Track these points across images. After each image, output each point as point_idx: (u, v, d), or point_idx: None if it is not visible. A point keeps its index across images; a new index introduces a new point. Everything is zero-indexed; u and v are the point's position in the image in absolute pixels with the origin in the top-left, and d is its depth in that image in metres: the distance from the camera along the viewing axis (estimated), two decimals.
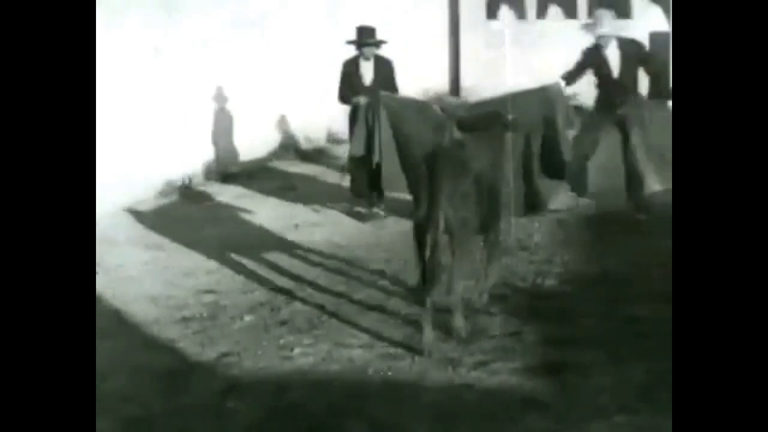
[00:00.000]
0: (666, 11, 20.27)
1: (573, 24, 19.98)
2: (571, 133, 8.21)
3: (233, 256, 8.36)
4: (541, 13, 20.78)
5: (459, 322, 6.40)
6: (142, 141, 10.40)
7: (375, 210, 9.69)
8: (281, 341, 6.46)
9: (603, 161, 9.16)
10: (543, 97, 7.98)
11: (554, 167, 7.74)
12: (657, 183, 9.01)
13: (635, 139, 9.14)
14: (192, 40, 11.39)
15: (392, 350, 6.22)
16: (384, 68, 9.79)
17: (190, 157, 11.33)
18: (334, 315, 6.94)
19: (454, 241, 6.42)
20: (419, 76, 17.07)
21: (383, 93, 8.57)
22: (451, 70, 20.49)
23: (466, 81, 20.33)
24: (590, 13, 20.64)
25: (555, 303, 7.03)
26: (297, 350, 6.29)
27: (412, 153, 6.74)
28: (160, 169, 10.66)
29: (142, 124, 10.42)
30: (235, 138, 12.34)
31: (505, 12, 20.83)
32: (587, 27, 9.51)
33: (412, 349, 6.22)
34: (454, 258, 6.45)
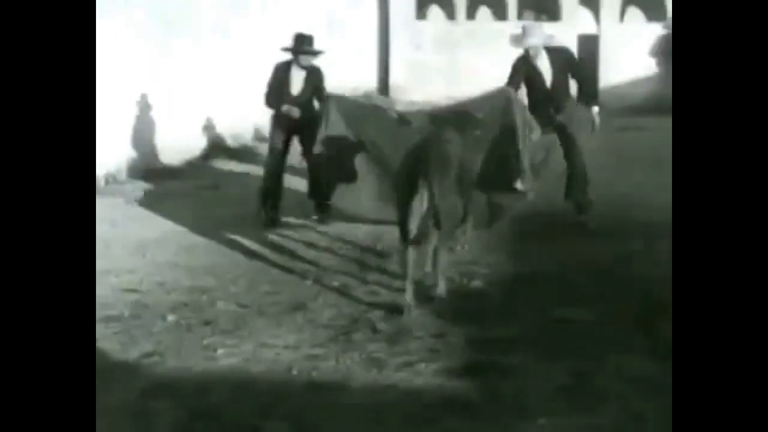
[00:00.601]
0: (595, 14, 20.51)
1: (502, 25, 20.21)
2: (535, 137, 8.39)
3: (156, 254, 8.27)
4: (471, 14, 20.92)
5: (441, 288, 7.22)
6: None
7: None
8: (205, 341, 6.39)
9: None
10: (501, 101, 8.21)
11: (511, 173, 7.99)
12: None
13: (579, 142, 9.25)
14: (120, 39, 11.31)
15: (317, 351, 6.19)
16: (315, 78, 9.69)
17: (113, 155, 11.21)
18: (258, 315, 6.89)
19: (441, 231, 7.04)
20: (348, 75, 17.09)
21: (333, 94, 9.03)
22: (380, 70, 20.54)
23: (394, 80, 20.39)
24: (520, 14, 20.89)
25: (481, 304, 7.06)
26: (221, 350, 6.22)
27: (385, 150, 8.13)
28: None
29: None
30: (165, 136, 12.24)
31: (434, 12, 20.94)
32: (516, 39, 9.43)
33: (394, 309, 6.86)
34: (440, 242, 7.21)
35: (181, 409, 5.38)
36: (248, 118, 13.59)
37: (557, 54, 9.48)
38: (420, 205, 6.82)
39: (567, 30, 20.43)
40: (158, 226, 9.45)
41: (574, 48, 20.18)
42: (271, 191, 9.61)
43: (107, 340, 6.40)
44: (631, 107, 19.17)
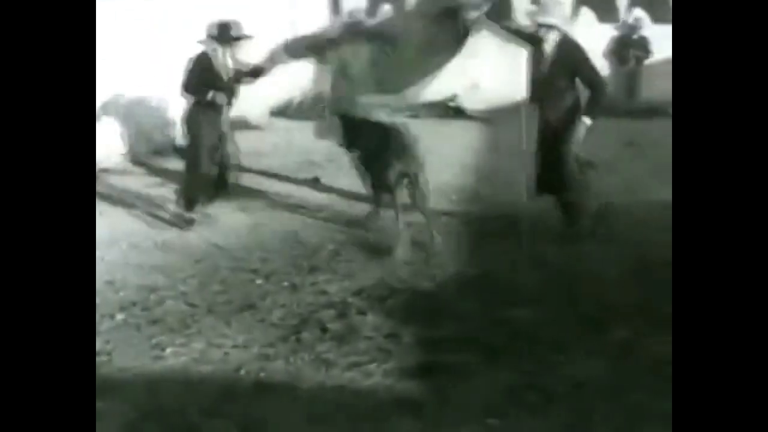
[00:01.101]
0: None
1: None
2: None
3: (105, 252, 8.20)
4: None
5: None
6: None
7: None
8: (153, 340, 6.35)
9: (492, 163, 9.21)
10: None
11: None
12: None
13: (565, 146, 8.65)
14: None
15: (266, 350, 6.17)
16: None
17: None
18: (207, 314, 6.86)
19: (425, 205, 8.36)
20: (297, 75, 17.01)
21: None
22: None
23: None
24: None
25: (431, 304, 7.06)
26: (169, 350, 6.19)
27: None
28: None
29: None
30: (114, 134, 12.15)
31: (386, 11, 20.92)
32: (530, 14, 8.77)
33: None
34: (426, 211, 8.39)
35: (128, 408, 5.35)
36: None
37: (568, 46, 8.58)
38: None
39: None
40: (106, 223, 9.36)
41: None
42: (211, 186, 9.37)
43: None
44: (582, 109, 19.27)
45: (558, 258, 8.14)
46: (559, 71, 8.56)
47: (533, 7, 8.87)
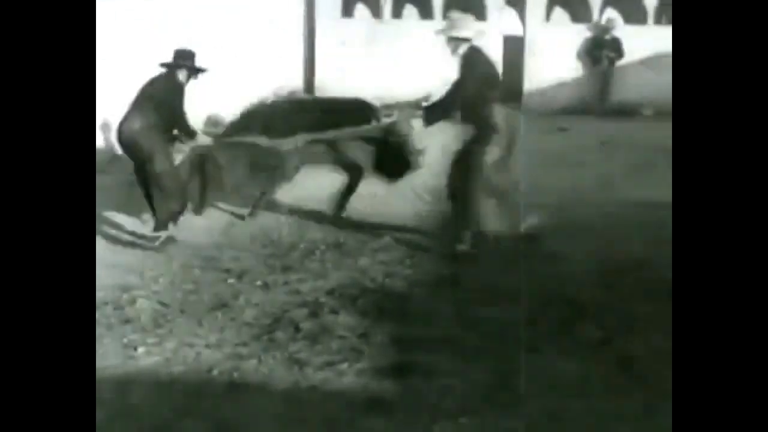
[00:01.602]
0: (520, 15, 20.68)
1: (428, 24, 20.28)
2: None
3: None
4: (397, 12, 20.95)
5: None
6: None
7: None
8: (125, 340, 6.33)
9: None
10: None
11: None
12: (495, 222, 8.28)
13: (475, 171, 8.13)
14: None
15: (239, 350, 6.16)
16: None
17: None
18: (180, 314, 6.84)
19: None
20: (273, 74, 17.00)
21: None
22: (306, 69, 20.47)
23: (320, 79, 20.35)
24: (445, 13, 20.94)
25: (404, 304, 7.07)
26: (141, 349, 6.17)
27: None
28: None
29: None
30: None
31: (360, 10, 20.93)
32: (441, 31, 8.32)
33: None
34: None
35: (99, 408, 5.31)
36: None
37: (478, 59, 8.26)
38: None
39: (492, 31, 20.57)
40: None
41: (498, 48, 20.48)
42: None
43: None
44: (555, 109, 19.37)
45: (529, 256, 8.15)
46: (465, 86, 8.16)
47: (444, 23, 8.50)
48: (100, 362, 5.96)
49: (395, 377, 5.76)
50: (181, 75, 8.70)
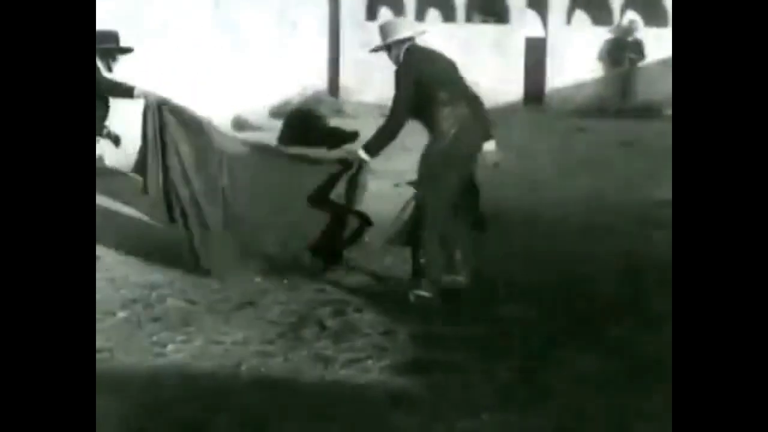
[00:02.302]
0: (542, 17, 20.72)
1: (451, 27, 20.36)
2: None
3: (103, 251, 8.25)
4: (420, 15, 21.03)
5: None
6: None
7: None
8: (154, 337, 6.43)
9: None
10: None
11: None
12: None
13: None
14: None
15: (266, 347, 6.26)
16: None
17: None
18: (207, 312, 6.95)
19: None
20: (298, 75, 17.10)
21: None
22: (331, 70, 20.57)
23: (344, 80, 20.44)
24: (468, 16, 21.06)
25: (427, 302, 7.13)
26: (170, 346, 6.26)
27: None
28: None
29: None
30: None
31: (384, 13, 21.01)
32: (382, 38, 7.28)
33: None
34: None
35: (129, 404, 5.42)
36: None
37: (406, 58, 7.15)
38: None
39: (515, 33, 20.66)
40: (108, 221, 9.40)
41: (521, 50, 20.50)
42: None
43: None
44: (575, 109, 19.44)
45: (551, 254, 8.21)
46: (401, 93, 7.10)
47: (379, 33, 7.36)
48: (130, 359, 6.08)
49: (419, 374, 5.84)
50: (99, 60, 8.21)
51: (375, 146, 7.18)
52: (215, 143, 7.69)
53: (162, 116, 7.57)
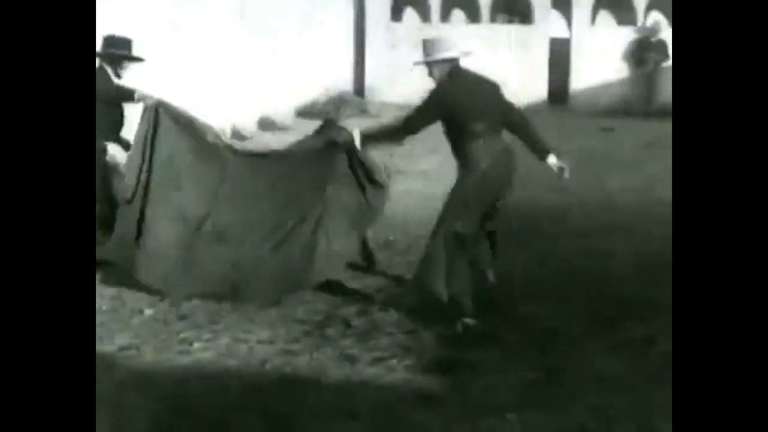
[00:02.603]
0: (566, 18, 20.70)
1: (475, 28, 20.38)
2: None
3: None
4: (445, 16, 21.06)
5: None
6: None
7: None
8: (181, 335, 6.49)
9: None
10: None
11: None
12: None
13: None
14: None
15: (291, 346, 6.30)
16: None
17: None
18: (233, 310, 7.00)
19: None
20: (322, 76, 17.14)
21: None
22: (356, 70, 20.62)
23: (369, 81, 20.48)
24: (492, 17, 21.06)
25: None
26: (196, 344, 6.32)
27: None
28: None
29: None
30: None
31: (409, 14, 21.06)
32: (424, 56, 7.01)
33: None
34: None
35: (156, 401, 5.47)
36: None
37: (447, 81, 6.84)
38: None
39: (539, 33, 20.66)
40: None
41: (545, 50, 20.49)
42: None
43: None
44: (600, 110, 19.43)
45: (573, 255, 8.22)
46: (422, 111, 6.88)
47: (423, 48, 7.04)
48: (157, 357, 6.14)
49: (443, 373, 5.88)
50: (106, 65, 8.25)
51: (372, 138, 7.15)
52: (212, 146, 7.66)
53: (157, 118, 7.57)
